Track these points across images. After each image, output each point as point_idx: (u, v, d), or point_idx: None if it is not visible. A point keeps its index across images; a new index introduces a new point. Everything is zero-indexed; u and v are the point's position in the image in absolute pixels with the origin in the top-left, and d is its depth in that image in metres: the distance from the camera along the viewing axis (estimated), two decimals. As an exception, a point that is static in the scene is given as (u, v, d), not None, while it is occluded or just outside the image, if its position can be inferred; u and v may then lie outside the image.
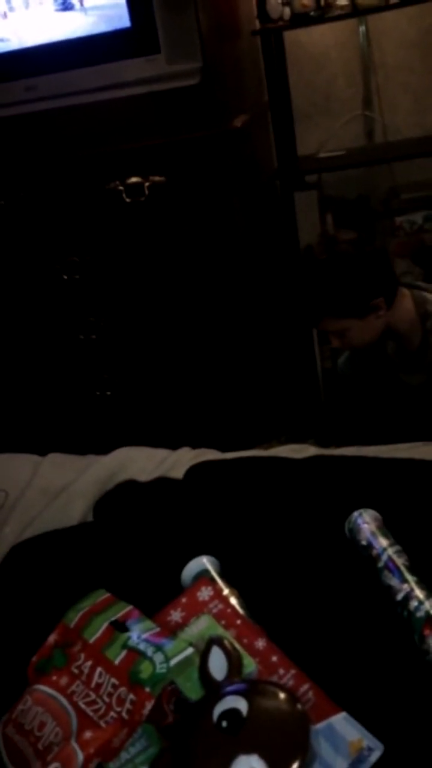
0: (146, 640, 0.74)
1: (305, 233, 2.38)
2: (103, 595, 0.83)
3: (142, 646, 0.73)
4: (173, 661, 0.72)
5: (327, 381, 2.48)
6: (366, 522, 0.93)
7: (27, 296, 2.31)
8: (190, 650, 0.73)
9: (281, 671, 0.74)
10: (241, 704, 0.67)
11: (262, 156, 2.38)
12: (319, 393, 2.49)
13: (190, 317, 2.20)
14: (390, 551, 0.88)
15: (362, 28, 2.32)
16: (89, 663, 0.75)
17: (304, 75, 2.41)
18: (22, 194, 2.19)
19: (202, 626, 0.79)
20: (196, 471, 1.21)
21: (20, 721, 0.73)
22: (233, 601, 0.83)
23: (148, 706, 0.69)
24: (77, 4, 1.98)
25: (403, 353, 1.81)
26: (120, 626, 0.77)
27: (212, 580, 0.87)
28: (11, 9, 2.04)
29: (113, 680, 0.72)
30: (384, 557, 0.87)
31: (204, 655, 0.74)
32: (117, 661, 0.73)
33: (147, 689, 0.69)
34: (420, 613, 0.79)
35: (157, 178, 2.04)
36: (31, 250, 2.25)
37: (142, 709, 0.68)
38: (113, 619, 0.78)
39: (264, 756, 0.63)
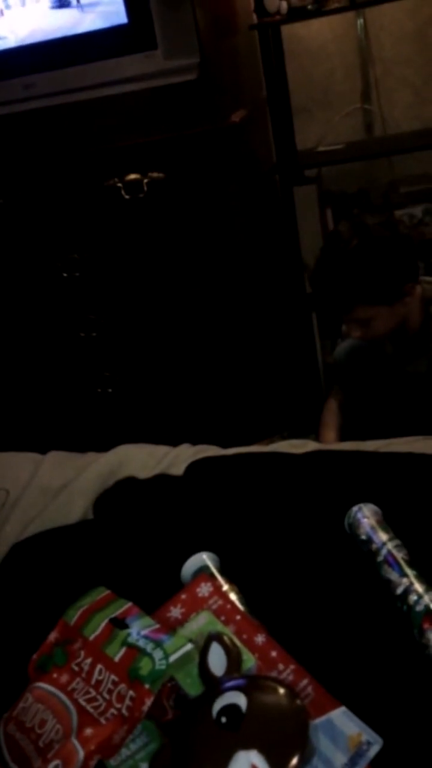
0: (146, 637, 0.74)
1: (305, 228, 2.37)
2: (103, 593, 0.83)
3: (141, 643, 0.73)
4: (173, 658, 0.72)
5: (328, 376, 2.47)
6: (365, 516, 0.93)
7: (27, 294, 2.31)
8: (189, 646, 0.74)
9: (280, 666, 0.74)
10: (241, 700, 0.67)
11: (261, 151, 2.37)
12: (320, 388, 2.48)
13: (191, 313, 2.20)
14: (389, 545, 0.88)
15: (360, 21, 2.31)
16: (89, 660, 0.75)
17: (302, 69, 2.41)
18: (22, 192, 2.19)
19: (201, 622, 0.79)
20: (196, 467, 1.21)
21: (21, 719, 0.74)
22: (233, 597, 0.83)
23: (148, 702, 0.69)
24: (74, 1, 1.98)
25: (401, 350, 1.80)
26: (119, 623, 0.77)
27: (212, 576, 0.87)
28: (8, 6, 2.04)
29: (113, 677, 0.72)
30: (383, 551, 0.87)
31: (203, 651, 0.74)
32: (117, 658, 0.73)
33: (147, 686, 0.69)
34: (419, 607, 0.79)
35: (155, 175, 2.04)
36: (30, 248, 2.25)
37: (142, 706, 0.69)
38: (113, 616, 0.79)
39: (263, 751, 0.63)
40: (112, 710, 0.70)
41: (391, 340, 1.78)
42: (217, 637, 0.75)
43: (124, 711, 0.69)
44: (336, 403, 1.96)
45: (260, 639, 0.77)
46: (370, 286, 1.62)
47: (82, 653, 0.76)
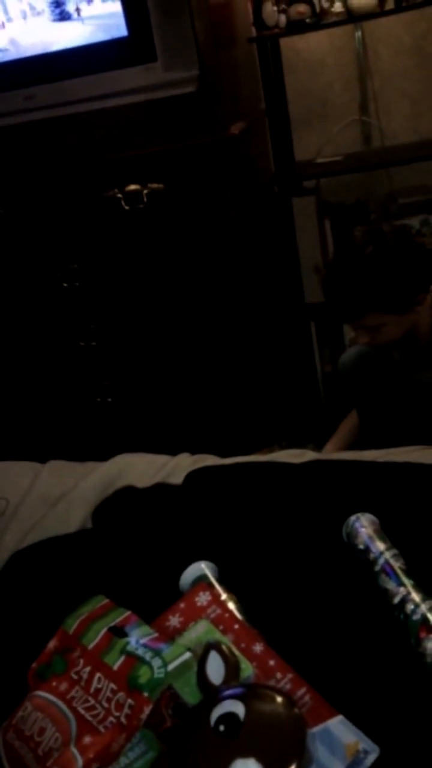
0: (144, 645, 0.75)
1: (303, 238, 2.39)
2: (102, 601, 0.83)
3: (140, 651, 0.74)
4: (171, 666, 0.72)
5: (327, 385, 2.48)
6: (363, 526, 0.94)
7: (27, 304, 2.32)
8: (187, 655, 0.74)
9: (278, 675, 0.74)
10: (239, 708, 0.68)
11: (260, 162, 2.39)
12: (319, 397, 2.49)
13: (190, 323, 2.21)
14: (387, 555, 0.88)
15: (358, 34, 2.33)
16: (88, 668, 0.75)
17: (300, 81, 2.42)
18: (22, 203, 2.21)
19: (200, 631, 0.80)
20: (195, 477, 1.21)
21: (20, 727, 0.74)
22: (231, 606, 0.84)
23: (147, 710, 0.69)
24: (74, 14, 2.00)
25: (408, 357, 1.80)
26: (118, 632, 0.78)
27: (210, 585, 0.87)
28: (9, 19, 2.05)
29: (112, 685, 0.72)
30: (381, 561, 0.88)
31: (202, 659, 0.75)
32: (115, 667, 0.74)
33: (145, 694, 0.70)
34: (416, 616, 0.80)
35: (155, 186, 2.05)
36: (31, 258, 2.26)
37: (141, 714, 0.69)
38: (112, 624, 0.79)
39: (261, 759, 0.64)
40: (111, 718, 0.70)
41: (399, 348, 1.79)
42: (216, 645, 0.75)
43: (122, 719, 0.69)
44: (357, 411, 1.96)
45: (258, 648, 0.77)
46: (384, 293, 1.62)
47: (81, 661, 0.76)
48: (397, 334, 1.69)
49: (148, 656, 0.73)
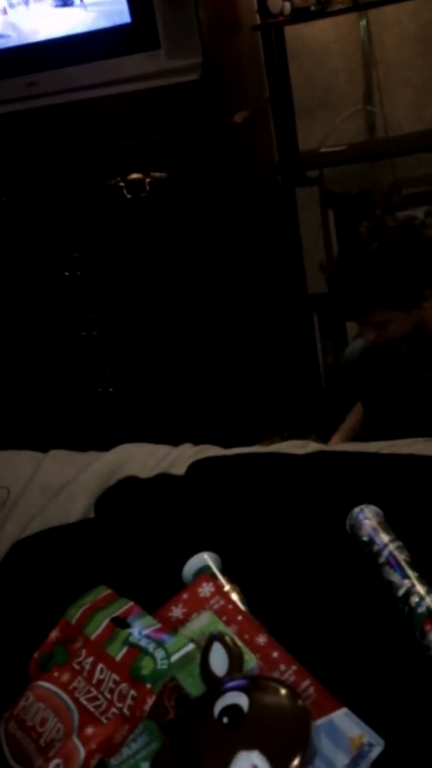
0: (147, 636, 0.74)
1: (307, 229, 2.37)
2: (104, 592, 0.83)
3: (143, 643, 0.73)
4: (174, 657, 0.72)
5: (329, 377, 2.48)
6: (367, 518, 0.93)
7: (28, 293, 2.31)
8: (191, 646, 0.74)
9: (282, 667, 0.74)
10: (242, 700, 0.67)
11: (263, 151, 2.37)
12: (321, 389, 2.49)
13: (192, 313, 2.20)
14: (391, 547, 0.88)
15: (363, 23, 2.31)
16: (90, 659, 0.75)
17: (305, 70, 2.41)
18: (24, 191, 2.19)
19: (203, 622, 0.79)
20: (197, 467, 1.21)
21: (22, 718, 0.74)
22: (234, 597, 0.83)
23: (149, 702, 0.69)
24: (77, 0, 1.98)
25: (415, 353, 1.79)
26: (121, 622, 0.77)
27: (213, 576, 0.87)
28: (11, 5, 2.04)
29: (114, 676, 0.72)
30: (385, 553, 0.87)
31: (205, 651, 0.74)
32: (118, 658, 0.73)
33: (148, 685, 0.69)
34: (421, 609, 0.79)
35: (157, 174, 2.04)
36: (32, 247, 2.25)
37: (144, 705, 0.69)
38: (114, 615, 0.78)
39: (265, 752, 0.63)
40: (114, 709, 0.70)
41: (406, 343, 1.77)
42: (219, 637, 0.75)
43: (125, 710, 0.69)
44: (362, 405, 1.96)
45: (262, 639, 0.77)
46: (390, 289, 1.60)
47: (84, 652, 0.76)
48: (404, 331, 1.68)
49: (151, 647, 0.72)
